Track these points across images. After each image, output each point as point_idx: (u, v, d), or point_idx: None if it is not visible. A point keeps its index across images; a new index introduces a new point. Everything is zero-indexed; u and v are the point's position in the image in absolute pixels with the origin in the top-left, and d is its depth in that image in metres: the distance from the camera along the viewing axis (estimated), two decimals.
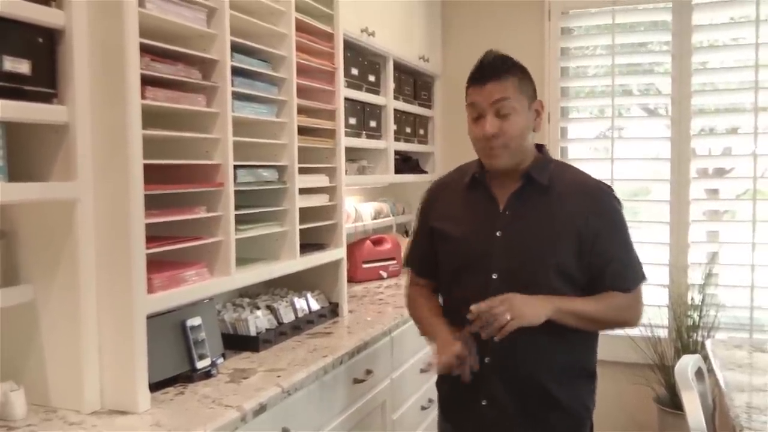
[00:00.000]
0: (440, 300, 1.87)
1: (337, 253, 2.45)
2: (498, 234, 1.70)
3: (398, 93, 3.33)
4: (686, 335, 3.30)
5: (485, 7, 3.80)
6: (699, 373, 2.02)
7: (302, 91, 2.20)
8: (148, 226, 1.56)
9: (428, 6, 3.66)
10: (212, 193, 1.81)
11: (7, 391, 1.47)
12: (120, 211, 1.51)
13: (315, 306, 2.33)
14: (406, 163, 3.62)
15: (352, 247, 3.14)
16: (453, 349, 1.62)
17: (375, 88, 3.06)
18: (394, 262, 3.36)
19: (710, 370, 2.12)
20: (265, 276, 2.08)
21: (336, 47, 2.42)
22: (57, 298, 1.52)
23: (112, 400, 1.54)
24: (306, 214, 2.24)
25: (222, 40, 1.80)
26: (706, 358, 2.21)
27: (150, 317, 1.57)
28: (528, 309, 1.58)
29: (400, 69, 3.39)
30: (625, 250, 1.74)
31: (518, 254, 1.68)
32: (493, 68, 1.66)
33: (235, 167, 1.86)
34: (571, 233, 1.66)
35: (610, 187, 1.78)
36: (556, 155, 3.36)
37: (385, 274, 3.30)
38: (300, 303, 2.25)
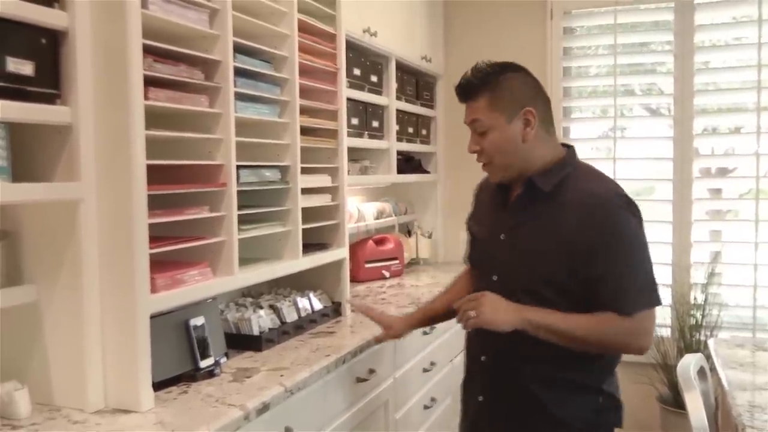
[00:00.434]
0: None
1: (340, 252, 2.46)
2: (502, 237, 1.71)
3: (400, 93, 3.34)
4: (689, 334, 3.30)
5: (487, 7, 3.80)
6: (701, 372, 2.02)
7: (304, 92, 2.21)
8: (151, 226, 1.56)
9: (430, 6, 3.66)
10: (215, 193, 1.82)
11: (11, 390, 1.48)
12: (123, 211, 1.51)
13: (318, 305, 2.33)
14: (408, 163, 3.63)
15: (355, 247, 3.15)
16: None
17: (377, 89, 3.06)
18: (397, 261, 3.36)
19: (713, 369, 2.11)
20: (268, 276, 2.09)
21: (338, 48, 2.42)
22: (60, 298, 1.53)
23: (116, 399, 1.54)
24: (309, 214, 2.25)
25: (224, 40, 1.81)
26: (708, 357, 2.21)
27: (153, 317, 1.57)
28: (496, 314, 1.58)
29: (403, 69, 3.39)
30: (626, 269, 1.58)
31: (515, 260, 1.68)
32: (463, 90, 1.69)
33: (238, 167, 1.87)
34: (563, 245, 1.58)
35: (624, 199, 1.61)
36: None
37: (387, 274, 3.30)
38: (303, 302, 2.26)
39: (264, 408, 1.60)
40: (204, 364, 1.74)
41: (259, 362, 1.88)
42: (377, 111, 3.08)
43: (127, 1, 1.48)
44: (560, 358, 1.62)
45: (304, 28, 2.21)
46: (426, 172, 3.83)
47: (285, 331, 2.11)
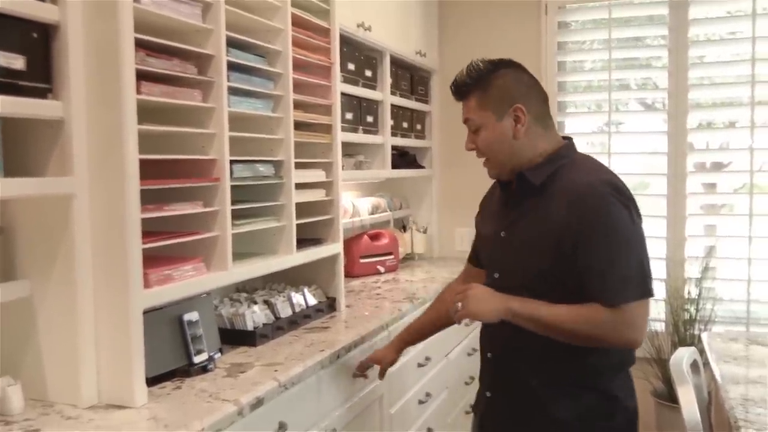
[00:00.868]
0: None
1: (334, 248, 2.45)
2: (502, 234, 1.73)
3: (395, 88, 3.33)
4: (683, 329, 3.31)
5: (482, 2, 3.80)
6: (695, 366, 2.02)
7: (298, 86, 2.20)
8: (145, 221, 1.56)
9: (425, 1, 3.65)
10: (209, 188, 1.81)
11: (5, 386, 1.47)
12: (116, 206, 1.51)
13: (312, 301, 2.33)
14: (403, 158, 3.62)
15: (350, 242, 3.14)
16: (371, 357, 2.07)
17: (372, 83, 3.06)
18: (392, 257, 3.36)
19: (706, 363, 2.12)
20: (262, 271, 2.09)
21: (332, 42, 2.41)
22: (54, 294, 1.52)
23: (109, 395, 1.54)
24: (303, 209, 2.24)
25: (217, 35, 1.80)
26: (702, 351, 2.21)
27: (147, 312, 1.57)
28: (480, 305, 1.61)
29: (397, 64, 3.39)
30: (610, 259, 1.53)
31: (511, 256, 1.70)
32: (456, 90, 1.73)
33: (232, 162, 1.86)
34: (552, 235, 1.58)
35: (613, 187, 1.57)
36: None
37: (382, 269, 3.30)
38: (297, 298, 2.26)
39: (258, 403, 1.60)
40: (198, 359, 1.74)
41: (254, 357, 1.88)
42: (372, 106, 3.08)
43: None
44: (565, 357, 1.62)
45: (297, 22, 2.20)
46: (421, 167, 3.82)
47: (279, 327, 2.11)
